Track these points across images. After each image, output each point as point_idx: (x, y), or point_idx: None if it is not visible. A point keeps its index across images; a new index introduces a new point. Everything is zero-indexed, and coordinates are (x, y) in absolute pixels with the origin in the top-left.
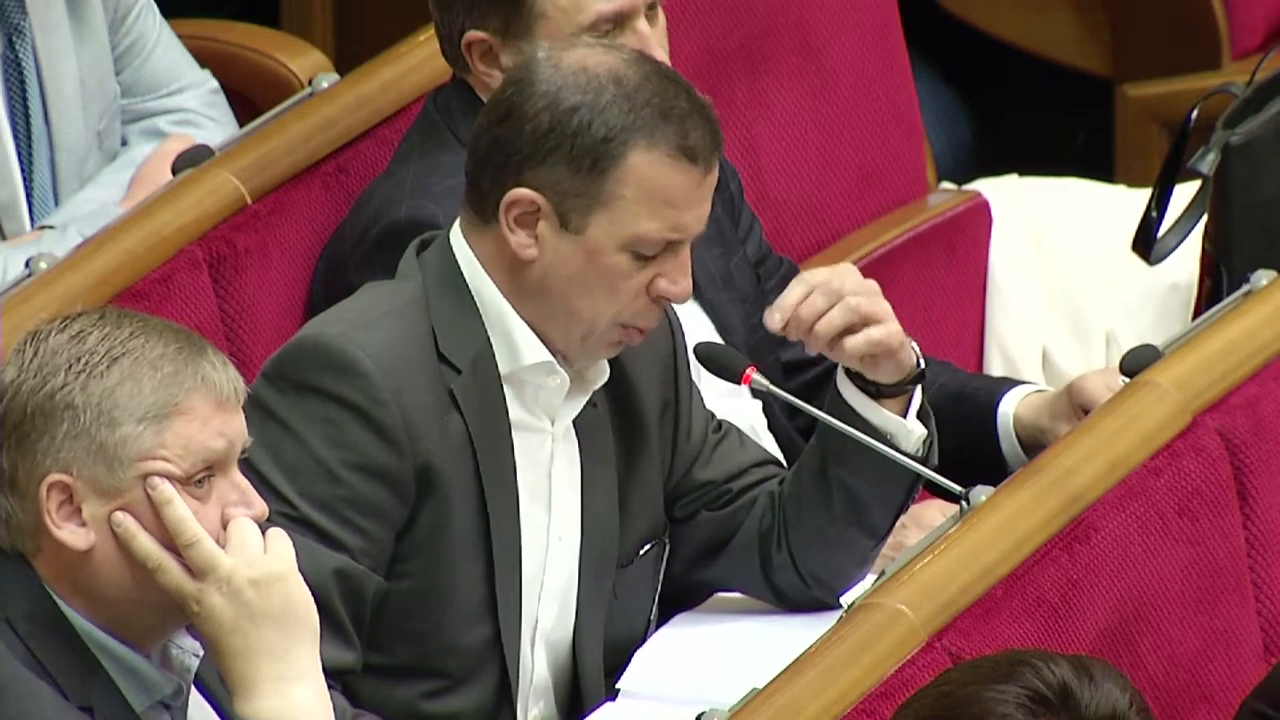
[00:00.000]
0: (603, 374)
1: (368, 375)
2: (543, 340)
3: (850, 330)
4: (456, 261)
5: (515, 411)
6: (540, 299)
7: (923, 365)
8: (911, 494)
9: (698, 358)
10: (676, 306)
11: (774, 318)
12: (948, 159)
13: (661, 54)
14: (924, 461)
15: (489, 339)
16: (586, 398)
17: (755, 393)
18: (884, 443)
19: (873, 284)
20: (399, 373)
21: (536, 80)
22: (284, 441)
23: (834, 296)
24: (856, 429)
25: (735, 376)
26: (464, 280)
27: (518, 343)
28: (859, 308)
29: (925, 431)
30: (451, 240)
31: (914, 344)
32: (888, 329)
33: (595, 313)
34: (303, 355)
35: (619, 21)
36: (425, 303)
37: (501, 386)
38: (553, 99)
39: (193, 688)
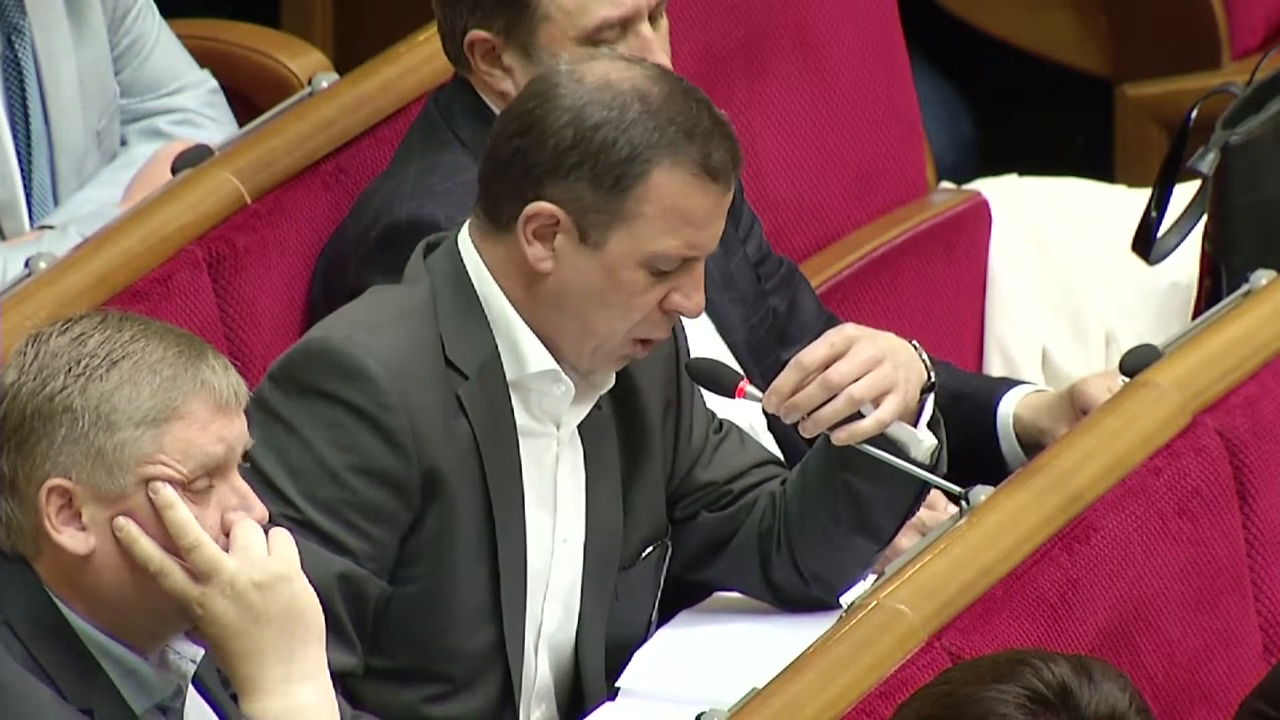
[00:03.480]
0: (608, 380)
1: (374, 379)
2: (551, 350)
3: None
4: (464, 267)
5: (521, 417)
6: (554, 311)
7: (934, 377)
8: (919, 500)
9: (690, 374)
10: None
11: (770, 400)
12: (949, 155)
13: (664, 57)
14: (933, 470)
15: (496, 346)
16: (592, 403)
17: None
18: (893, 451)
19: (871, 353)
20: (406, 377)
21: (560, 95)
22: (289, 444)
23: (830, 390)
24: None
25: (729, 391)
26: (472, 286)
27: (524, 350)
28: (862, 397)
29: (936, 441)
30: (460, 245)
31: (923, 351)
32: (894, 403)
33: (610, 327)
34: (309, 358)
35: (623, 26)
36: (433, 307)
37: (508, 392)
38: (577, 115)
39: (190, 688)
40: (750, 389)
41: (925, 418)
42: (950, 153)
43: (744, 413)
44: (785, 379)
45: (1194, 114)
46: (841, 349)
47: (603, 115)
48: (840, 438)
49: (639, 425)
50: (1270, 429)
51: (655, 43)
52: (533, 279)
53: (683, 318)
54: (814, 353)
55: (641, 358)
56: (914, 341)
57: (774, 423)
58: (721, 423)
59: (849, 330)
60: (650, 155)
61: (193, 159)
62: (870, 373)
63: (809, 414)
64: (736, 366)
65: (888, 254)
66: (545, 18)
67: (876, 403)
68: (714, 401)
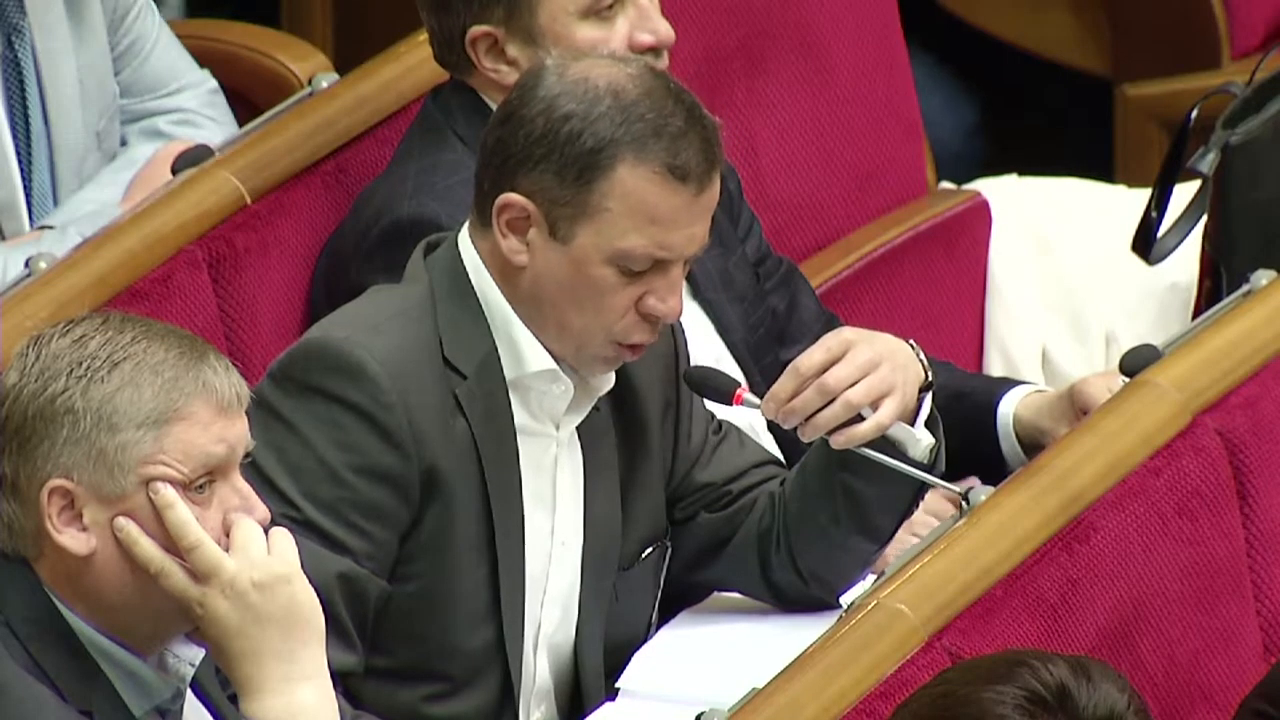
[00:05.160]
0: (608, 381)
1: (374, 378)
2: (546, 347)
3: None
4: (464, 265)
5: (520, 417)
6: (532, 306)
7: (931, 377)
8: (918, 499)
9: (688, 383)
10: None
11: (768, 407)
12: (957, 144)
13: (664, 24)
14: (931, 469)
15: (494, 344)
16: (591, 404)
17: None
18: (891, 450)
19: (868, 356)
20: (405, 376)
21: (539, 87)
22: (289, 443)
23: (827, 395)
24: None
25: (726, 398)
26: (470, 284)
27: (523, 349)
28: (860, 402)
29: (933, 440)
30: (459, 243)
31: (920, 351)
32: (892, 406)
33: (583, 325)
34: (309, 357)
35: None
36: (432, 306)
37: (507, 392)
38: (548, 105)
39: (189, 691)
40: (748, 396)
41: (923, 417)
42: (962, 138)
43: (744, 413)
44: (782, 385)
45: (1194, 114)
46: (838, 353)
47: (572, 107)
48: (839, 442)
49: (638, 426)
50: (1270, 429)
51: (654, 10)
52: (511, 273)
53: (681, 318)
54: (811, 358)
55: (637, 360)
56: (911, 341)
57: (774, 423)
58: (720, 423)
59: (846, 334)
60: (614, 150)
61: (193, 159)
62: (867, 376)
63: (807, 419)
64: (735, 366)
65: (888, 254)
66: None
67: (875, 405)
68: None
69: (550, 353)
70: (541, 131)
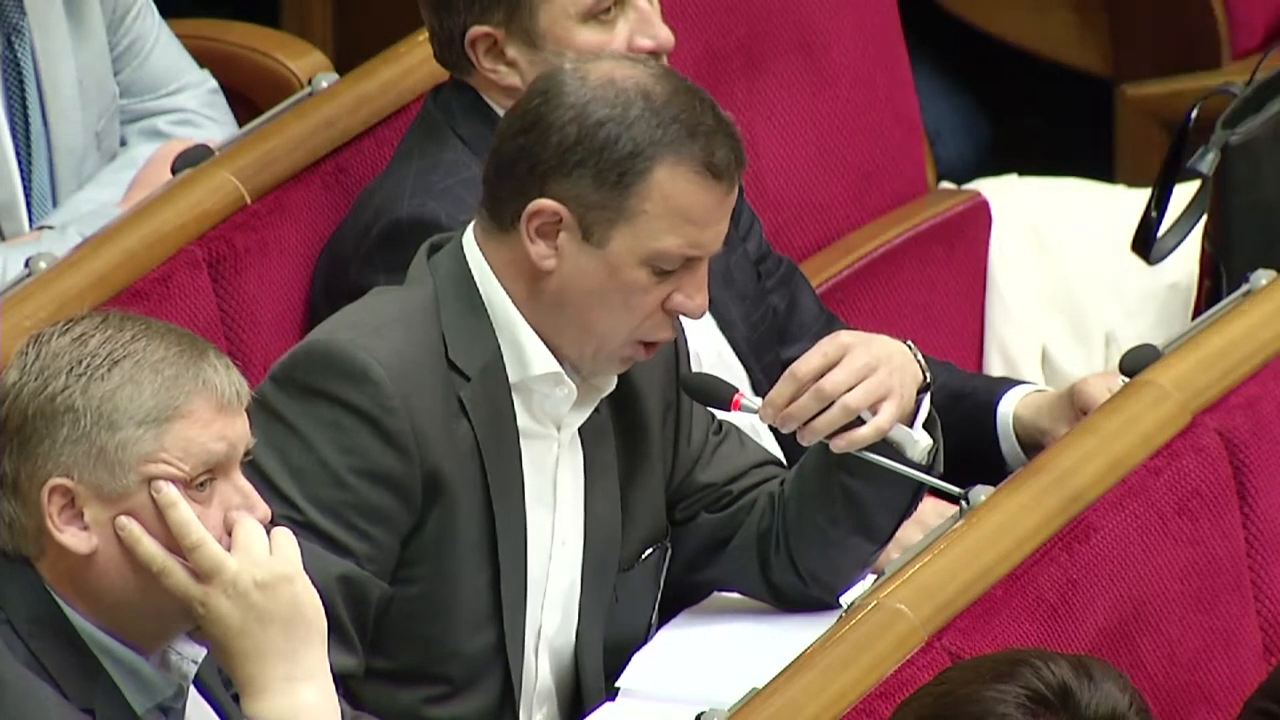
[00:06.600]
0: (610, 383)
1: (377, 381)
2: (553, 351)
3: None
4: (469, 267)
5: (523, 419)
6: (556, 310)
7: (929, 378)
8: (916, 500)
9: (686, 390)
10: None
11: (765, 412)
12: (957, 144)
13: (664, 30)
14: (929, 469)
15: (499, 347)
16: (593, 406)
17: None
18: (890, 452)
19: (865, 360)
20: (408, 379)
21: (564, 92)
22: (291, 445)
23: (824, 400)
24: None
25: (724, 403)
26: (475, 287)
27: (527, 352)
28: (857, 406)
29: (931, 441)
30: (464, 245)
31: (918, 352)
32: (890, 409)
33: (610, 326)
34: (312, 360)
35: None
36: (436, 309)
37: (510, 395)
38: (580, 111)
39: (192, 689)
40: (746, 401)
41: (921, 418)
42: (959, 142)
43: (744, 414)
44: (780, 390)
45: (1194, 114)
46: (835, 358)
47: (606, 112)
48: (838, 446)
49: (639, 428)
50: (1270, 429)
51: (654, 14)
52: (535, 278)
53: (682, 317)
54: (808, 363)
55: (643, 360)
56: (909, 341)
57: None
58: (721, 424)
59: (842, 338)
60: (653, 153)
61: (193, 159)
62: (865, 380)
63: (805, 424)
64: (738, 362)
65: (888, 254)
66: None
67: (873, 408)
68: None
69: (557, 355)
70: (576, 138)
